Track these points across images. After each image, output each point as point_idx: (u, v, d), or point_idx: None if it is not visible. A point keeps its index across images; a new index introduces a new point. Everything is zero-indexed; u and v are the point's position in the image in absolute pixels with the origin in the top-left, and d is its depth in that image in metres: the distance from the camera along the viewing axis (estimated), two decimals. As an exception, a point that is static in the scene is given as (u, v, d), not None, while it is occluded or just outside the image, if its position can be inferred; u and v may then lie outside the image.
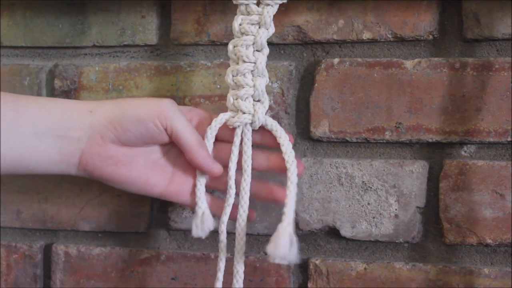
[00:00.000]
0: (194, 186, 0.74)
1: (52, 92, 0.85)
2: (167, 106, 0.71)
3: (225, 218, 0.73)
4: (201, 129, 0.73)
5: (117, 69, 0.83)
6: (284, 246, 0.66)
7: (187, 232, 0.83)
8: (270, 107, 0.79)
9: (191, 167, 0.74)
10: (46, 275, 0.86)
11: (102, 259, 0.84)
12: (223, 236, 0.73)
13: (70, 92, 0.84)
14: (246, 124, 0.72)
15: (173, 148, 0.74)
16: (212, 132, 0.73)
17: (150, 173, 0.74)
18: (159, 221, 0.84)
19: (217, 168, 0.72)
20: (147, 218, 0.83)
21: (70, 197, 0.85)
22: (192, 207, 0.75)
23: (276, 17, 0.72)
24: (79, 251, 0.85)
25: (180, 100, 0.81)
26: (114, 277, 0.84)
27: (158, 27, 0.83)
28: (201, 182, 0.74)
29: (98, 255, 0.84)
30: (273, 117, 0.78)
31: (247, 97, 0.71)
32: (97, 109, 0.71)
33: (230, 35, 0.74)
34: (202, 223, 0.73)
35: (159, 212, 0.84)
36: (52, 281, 0.85)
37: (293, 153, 0.71)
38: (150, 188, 0.74)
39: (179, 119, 0.71)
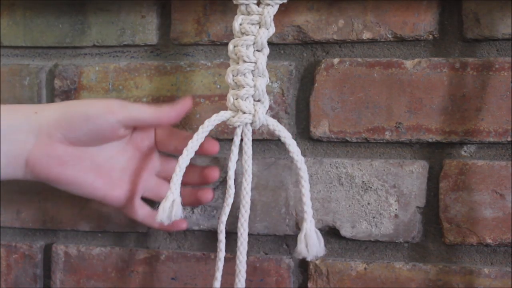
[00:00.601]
0: (135, 194, 0.76)
1: (52, 92, 0.85)
2: (115, 102, 0.73)
3: (224, 217, 0.73)
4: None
5: (117, 69, 0.83)
6: (315, 245, 0.70)
7: (187, 232, 0.83)
8: (270, 107, 0.79)
9: (139, 174, 0.76)
10: (46, 275, 0.86)
11: (102, 259, 0.84)
12: (221, 236, 0.73)
13: (70, 92, 0.84)
14: (246, 124, 0.72)
15: (122, 152, 0.76)
16: (209, 125, 0.72)
17: (96, 176, 0.75)
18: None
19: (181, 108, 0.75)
20: (147, 218, 0.83)
21: (70, 197, 0.84)
22: (129, 216, 0.77)
23: (276, 17, 0.72)
24: (79, 251, 0.85)
25: (180, 100, 0.81)
26: (114, 277, 0.84)
27: (158, 27, 0.83)
28: (181, 168, 0.72)
29: (98, 255, 0.84)
30: (273, 117, 0.78)
31: (247, 97, 0.72)
32: (43, 111, 0.72)
33: (230, 35, 0.74)
34: (170, 210, 0.70)
35: (159, 212, 0.84)
36: (52, 281, 0.85)
37: (299, 151, 0.72)
38: (94, 191, 0.75)
39: (130, 107, 0.73)
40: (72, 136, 0.72)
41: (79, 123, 0.71)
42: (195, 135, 0.72)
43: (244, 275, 0.73)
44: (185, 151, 0.71)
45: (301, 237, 0.71)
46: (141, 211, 0.77)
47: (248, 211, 0.73)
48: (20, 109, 0.73)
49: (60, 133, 0.71)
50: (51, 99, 0.85)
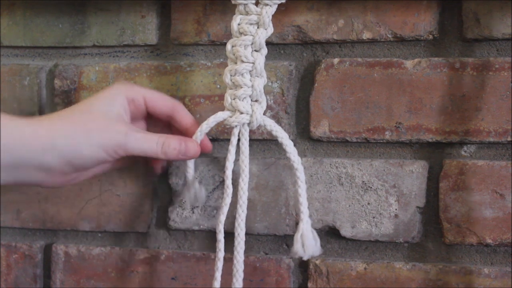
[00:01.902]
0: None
1: (52, 92, 0.85)
2: (120, 137, 0.71)
3: (222, 217, 0.73)
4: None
5: (117, 69, 0.83)
6: (311, 244, 0.71)
7: (187, 232, 0.83)
8: (270, 107, 0.79)
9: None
10: (46, 275, 0.86)
11: (102, 259, 0.84)
12: (220, 236, 0.73)
13: (70, 92, 0.84)
14: (243, 124, 0.73)
15: None
16: (206, 127, 0.74)
17: (105, 167, 0.76)
18: (159, 221, 0.84)
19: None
20: (147, 218, 0.83)
21: (70, 197, 0.85)
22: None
23: (276, 17, 0.72)
24: (79, 251, 0.85)
25: (180, 100, 0.81)
26: (114, 277, 0.84)
27: (158, 27, 0.83)
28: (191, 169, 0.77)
29: (98, 255, 0.84)
30: (273, 117, 0.78)
31: (245, 97, 0.72)
32: (51, 147, 0.69)
33: (230, 35, 0.74)
34: (197, 191, 0.77)
35: (159, 212, 0.84)
36: (52, 281, 0.85)
37: (296, 151, 0.73)
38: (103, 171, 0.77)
39: (133, 144, 0.72)
40: (80, 169, 0.72)
41: (87, 165, 0.71)
42: (194, 137, 0.75)
43: (242, 275, 0.73)
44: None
45: (297, 237, 0.71)
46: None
47: (245, 210, 0.73)
48: (26, 140, 0.68)
49: (69, 170, 0.70)
50: (51, 99, 0.85)
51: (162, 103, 0.77)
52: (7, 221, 0.87)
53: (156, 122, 0.79)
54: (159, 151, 0.73)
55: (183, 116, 0.77)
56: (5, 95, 0.86)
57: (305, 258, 0.72)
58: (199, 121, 0.76)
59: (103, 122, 0.71)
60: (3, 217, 0.87)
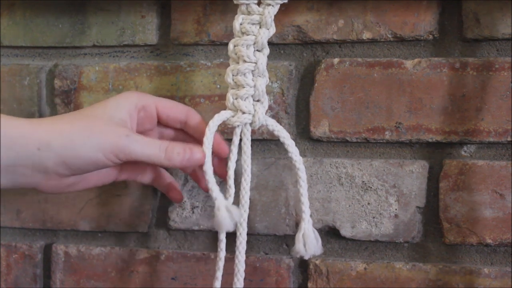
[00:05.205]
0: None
1: (52, 92, 0.85)
2: (119, 139, 0.69)
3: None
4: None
5: (117, 69, 0.83)
6: (313, 244, 0.71)
7: (187, 232, 0.83)
8: (270, 107, 0.79)
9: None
10: (46, 275, 0.86)
11: (102, 259, 0.84)
12: (222, 235, 0.73)
13: (70, 92, 0.84)
14: (245, 124, 0.72)
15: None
16: (213, 126, 0.72)
17: (105, 177, 0.75)
18: (159, 221, 0.84)
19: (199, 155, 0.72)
20: (147, 218, 0.83)
21: (70, 197, 0.85)
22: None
23: (276, 17, 0.72)
24: (79, 251, 0.85)
25: (180, 100, 0.81)
26: (114, 277, 0.84)
27: (158, 27, 0.83)
28: (209, 173, 0.71)
29: (98, 255, 0.84)
30: (273, 117, 0.78)
31: (247, 97, 0.72)
32: (46, 146, 0.68)
33: (230, 35, 0.74)
34: (229, 214, 0.69)
35: (159, 212, 0.84)
36: (52, 281, 0.85)
37: (297, 151, 0.73)
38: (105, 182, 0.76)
39: (134, 146, 0.69)
40: (78, 173, 0.70)
41: (84, 167, 0.69)
42: (205, 139, 0.72)
43: (243, 275, 0.73)
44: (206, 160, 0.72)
45: (299, 236, 0.71)
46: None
47: (247, 210, 0.73)
48: (22, 140, 0.68)
49: (67, 171, 0.69)
50: (51, 99, 0.85)
51: (176, 109, 0.75)
52: (7, 221, 0.86)
53: (168, 134, 0.77)
54: (162, 156, 0.70)
55: (197, 118, 0.75)
56: (5, 95, 0.85)
57: (306, 258, 0.72)
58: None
59: (103, 125, 0.69)
60: (3, 217, 0.86)
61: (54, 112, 0.85)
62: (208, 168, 0.71)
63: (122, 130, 0.70)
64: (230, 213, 0.68)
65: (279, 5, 0.71)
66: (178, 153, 0.71)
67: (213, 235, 0.77)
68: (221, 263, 0.73)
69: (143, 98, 0.73)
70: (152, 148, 0.70)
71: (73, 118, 0.71)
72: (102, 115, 0.70)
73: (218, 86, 0.80)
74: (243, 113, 0.72)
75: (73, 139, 0.68)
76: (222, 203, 0.68)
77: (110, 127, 0.70)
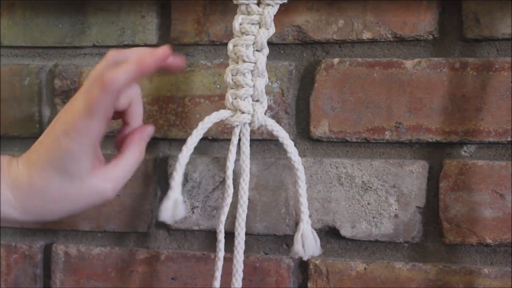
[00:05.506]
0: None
1: (52, 92, 0.85)
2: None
3: (223, 217, 0.74)
4: None
5: (117, 69, 0.83)
6: (312, 245, 0.71)
7: (187, 232, 0.83)
8: (270, 107, 0.79)
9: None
10: (46, 275, 0.86)
11: (102, 259, 0.84)
12: (221, 236, 0.73)
13: (70, 92, 0.84)
14: (244, 124, 0.73)
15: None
16: (208, 122, 0.72)
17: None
18: (159, 221, 0.84)
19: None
20: (147, 218, 0.83)
21: (70, 197, 0.85)
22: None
23: (276, 17, 0.72)
24: (79, 251, 0.85)
25: (180, 100, 0.81)
26: (114, 277, 0.84)
27: (158, 27, 0.83)
28: (181, 166, 0.71)
29: (98, 255, 0.84)
30: (273, 117, 0.78)
31: (246, 97, 0.72)
32: (16, 170, 0.65)
33: (230, 35, 0.74)
34: (173, 209, 0.71)
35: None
36: (52, 281, 0.85)
37: (297, 151, 0.73)
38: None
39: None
40: None
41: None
42: (194, 131, 0.72)
43: (242, 275, 0.73)
44: (184, 148, 0.72)
45: (297, 237, 0.71)
46: None
47: (246, 210, 0.73)
48: None
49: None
50: (51, 99, 0.85)
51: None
52: (7, 221, 0.87)
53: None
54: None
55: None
56: (5, 95, 0.85)
57: (305, 258, 0.72)
58: (199, 121, 0.76)
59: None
60: (3, 217, 0.87)
61: (54, 112, 0.85)
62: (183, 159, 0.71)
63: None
64: (175, 208, 0.71)
65: (278, 5, 0.71)
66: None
67: (213, 235, 0.77)
68: (219, 263, 0.73)
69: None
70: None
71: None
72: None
73: (218, 86, 0.80)
74: (242, 113, 0.72)
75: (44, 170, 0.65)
76: (174, 194, 0.71)
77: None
